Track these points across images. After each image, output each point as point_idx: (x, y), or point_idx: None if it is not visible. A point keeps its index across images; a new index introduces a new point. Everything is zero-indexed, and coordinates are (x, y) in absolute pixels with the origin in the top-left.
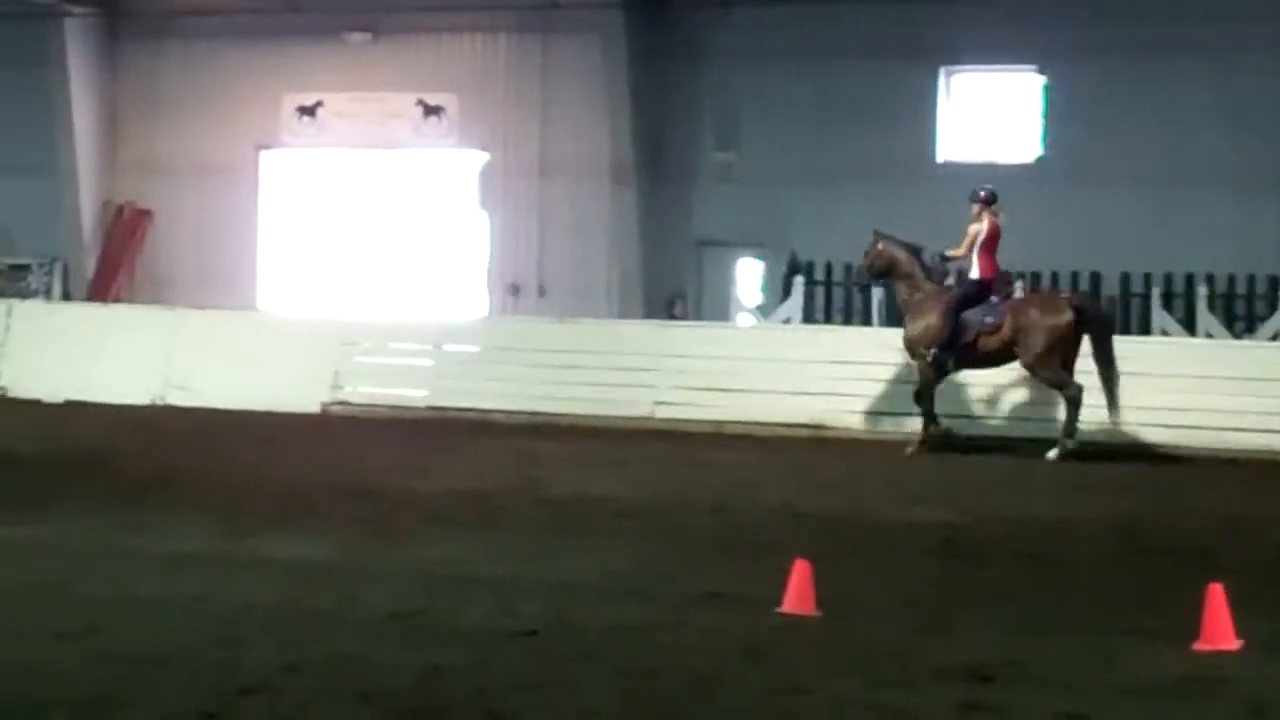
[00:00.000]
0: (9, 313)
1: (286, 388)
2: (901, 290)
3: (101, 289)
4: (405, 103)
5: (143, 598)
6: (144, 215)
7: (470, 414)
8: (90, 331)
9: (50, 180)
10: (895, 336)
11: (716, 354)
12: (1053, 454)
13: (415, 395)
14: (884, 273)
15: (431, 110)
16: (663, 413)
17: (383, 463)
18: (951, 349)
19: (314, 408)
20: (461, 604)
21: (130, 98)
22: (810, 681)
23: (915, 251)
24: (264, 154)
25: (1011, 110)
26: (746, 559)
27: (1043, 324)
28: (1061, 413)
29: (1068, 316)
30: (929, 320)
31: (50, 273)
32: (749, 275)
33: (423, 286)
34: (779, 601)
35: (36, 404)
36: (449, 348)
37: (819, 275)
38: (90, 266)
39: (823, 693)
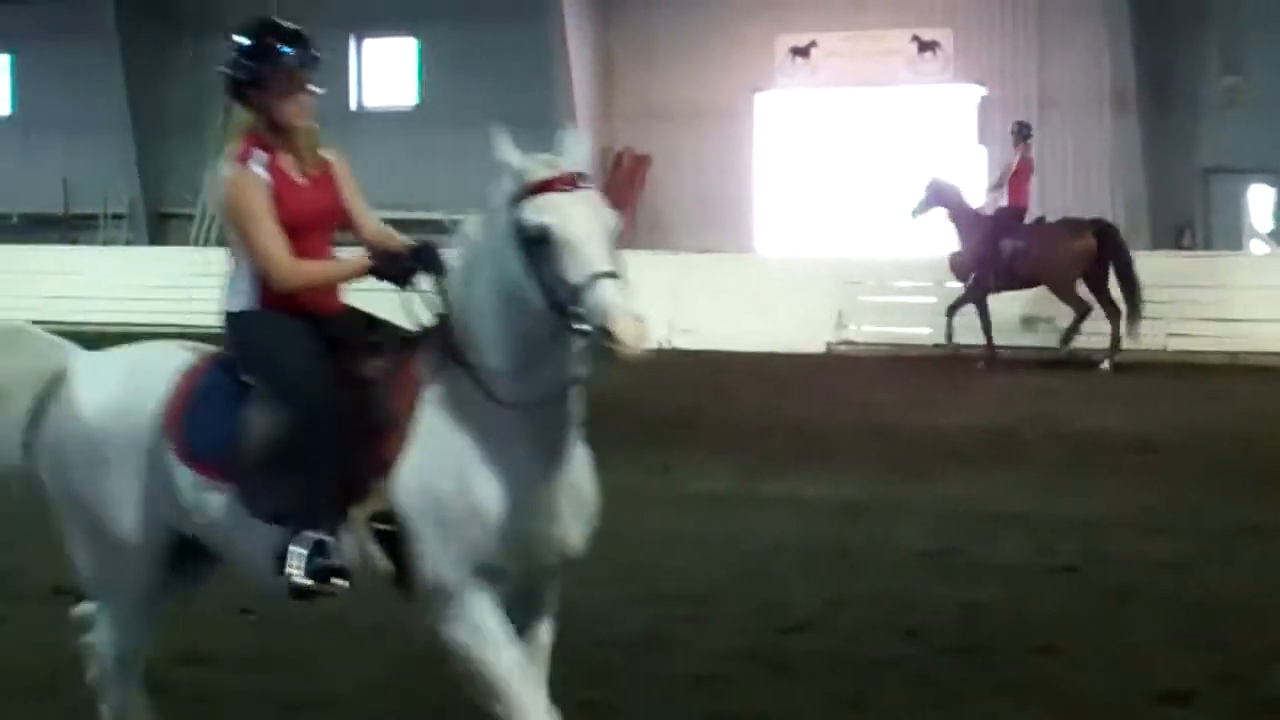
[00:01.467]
0: None
1: (790, 328)
2: (957, 218)
3: None
4: (900, 39)
5: (678, 538)
6: (642, 161)
7: (977, 350)
8: None
9: (550, 129)
10: None
11: (1229, 283)
12: (1105, 365)
13: (920, 333)
14: (938, 204)
15: (926, 45)
16: (1175, 344)
17: (894, 400)
18: (991, 271)
19: (818, 347)
20: (994, 541)
21: (625, 45)
22: None
23: (958, 189)
24: (758, 96)
25: None
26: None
27: (1068, 245)
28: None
29: (1090, 240)
30: (970, 248)
31: None
32: (1261, 202)
33: (922, 223)
34: None
35: None
36: (952, 284)
37: None
38: None
39: None
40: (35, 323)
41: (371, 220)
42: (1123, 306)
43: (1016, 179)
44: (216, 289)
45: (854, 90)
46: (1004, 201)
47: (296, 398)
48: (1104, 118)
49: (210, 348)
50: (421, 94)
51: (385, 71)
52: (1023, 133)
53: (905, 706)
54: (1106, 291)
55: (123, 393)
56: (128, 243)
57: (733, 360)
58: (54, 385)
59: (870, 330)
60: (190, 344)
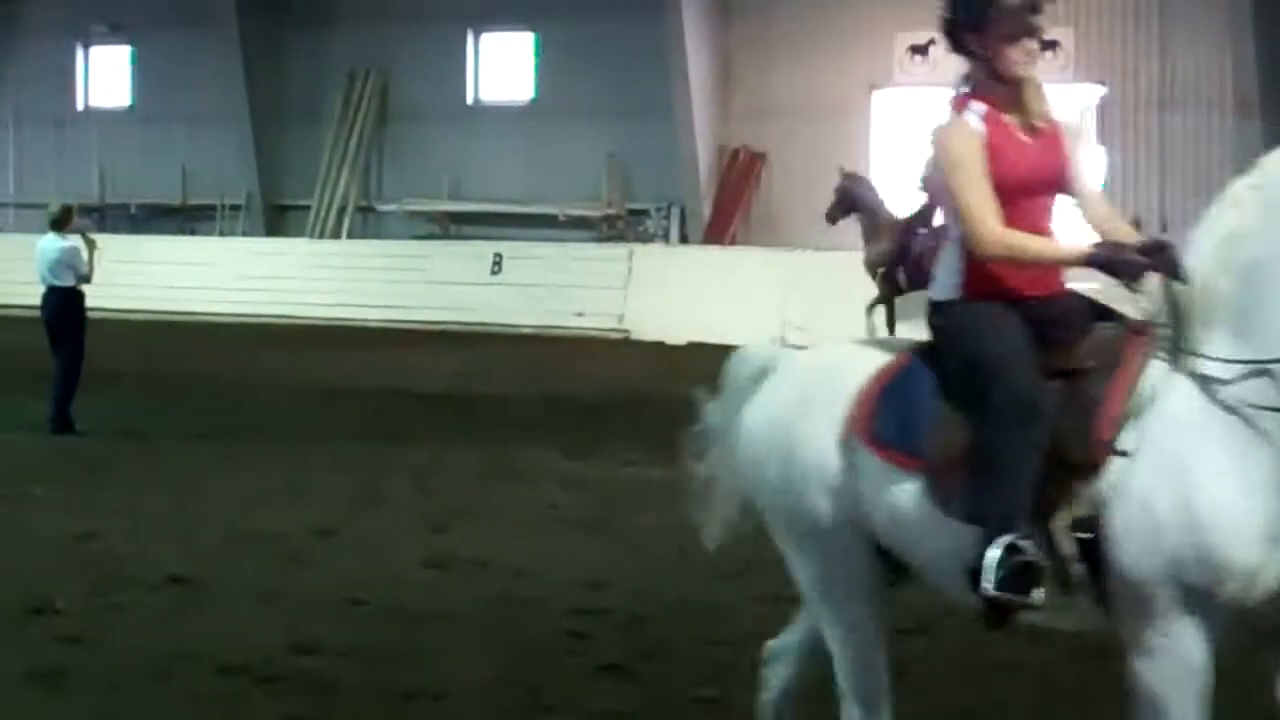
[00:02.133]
0: (630, 256)
1: (906, 326)
2: (863, 219)
3: (718, 232)
4: None
5: None
6: (758, 158)
7: None
8: (709, 273)
9: (666, 125)
10: None
11: None
12: None
13: None
14: (849, 209)
15: (1047, 44)
16: None
17: None
18: (902, 267)
19: None
20: None
21: (743, 41)
22: None
23: (873, 188)
24: (876, 94)
25: None
26: None
27: None
28: None
29: None
30: (881, 246)
31: (668, 217)
32: None
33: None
34: None
35: (659, 345)
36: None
37: None
38: (706, 210)
39: None
40: (151, 312)
41: (1100, 200)
42: None
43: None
44: (332, 280)
45: None
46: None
47: (998, 394)
48: (1226, 119)
49: (908, 340)
50: (538, 88)
51: (502, 65)
52: None
53: (1029, 711)
54: None
55: (812, 382)
56: (244, 234)
57: None
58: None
59: None
60: (894, 339)
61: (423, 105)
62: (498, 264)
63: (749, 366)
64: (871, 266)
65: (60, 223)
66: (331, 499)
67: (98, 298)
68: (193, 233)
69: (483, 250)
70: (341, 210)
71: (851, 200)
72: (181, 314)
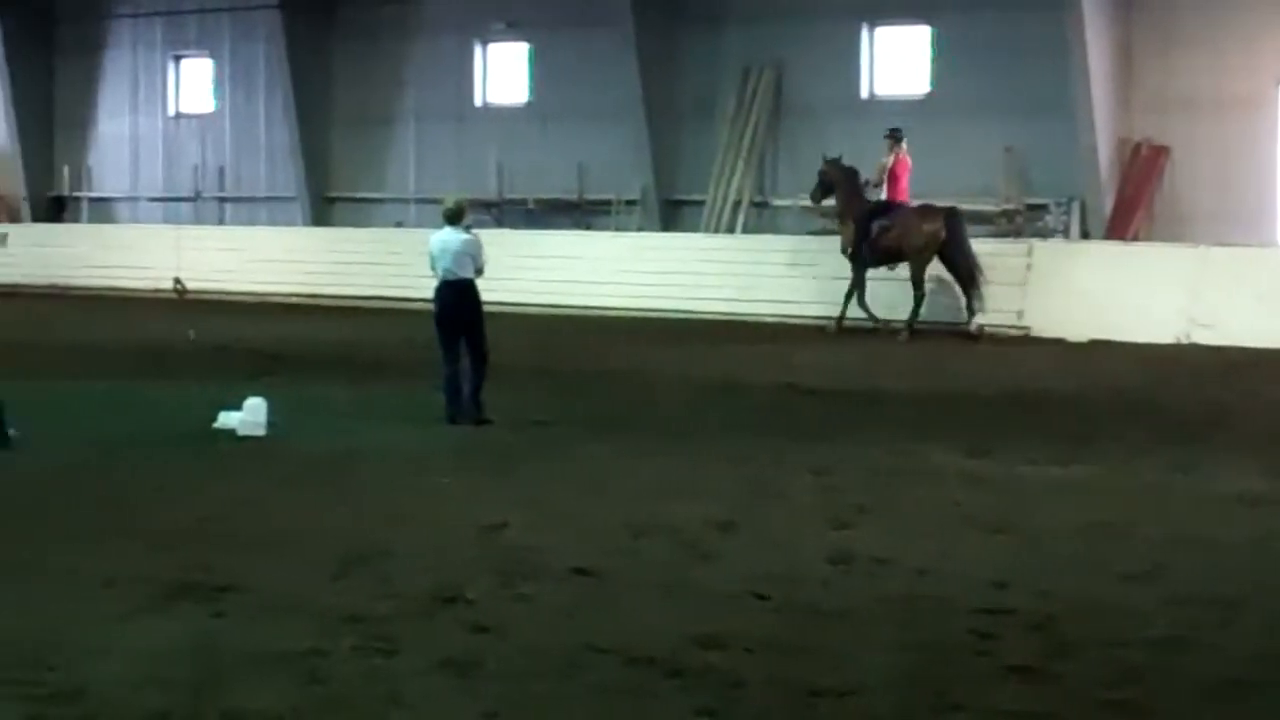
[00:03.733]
0: (1030, 252)
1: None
2: (839, 204)
3: (1120, 227)
4: None
5: (1206, 538)
6: (1161, 152)
7: None
8: (1111, 270)
9: (1065, 119)
10: None
11: None
12: (901, 337)
13: None
14: (828, 192)
15: None
16: None
17: None
18: (865, 247)
19: None
20: None
21: (1144, 32)
22: None
23: (852, 174)
24: None
25: None
26: None
27: (920, 226)
28: None
29: (939, 222)
30: (849, 230)
31: (1068, 212)
32: None
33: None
34: None
35: (1060, 342)
36: None
37: None
38: (1108, 205)
39: None
40: (548, 306)
41: None
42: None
43: (894, 178)
44: (726, 275)
45: None
46: (883, 196)
47: None
48: None
49: None
50: (934, 81)
51: (896, 59)
52: (896, 136)
53: None
54: (959, 269)
55: None
56: (640, 229)
57: (1255, 357)
58: None
59: None
60: None
61: (817, 100)
62: None
63: None
64: (844, 246)
65: (457, 216)
66: (731, 493)
67: (495, 292)
68: (588, 228)
69: None
70: (736, 205)
71: (831, 183)
72: (577, 308)
